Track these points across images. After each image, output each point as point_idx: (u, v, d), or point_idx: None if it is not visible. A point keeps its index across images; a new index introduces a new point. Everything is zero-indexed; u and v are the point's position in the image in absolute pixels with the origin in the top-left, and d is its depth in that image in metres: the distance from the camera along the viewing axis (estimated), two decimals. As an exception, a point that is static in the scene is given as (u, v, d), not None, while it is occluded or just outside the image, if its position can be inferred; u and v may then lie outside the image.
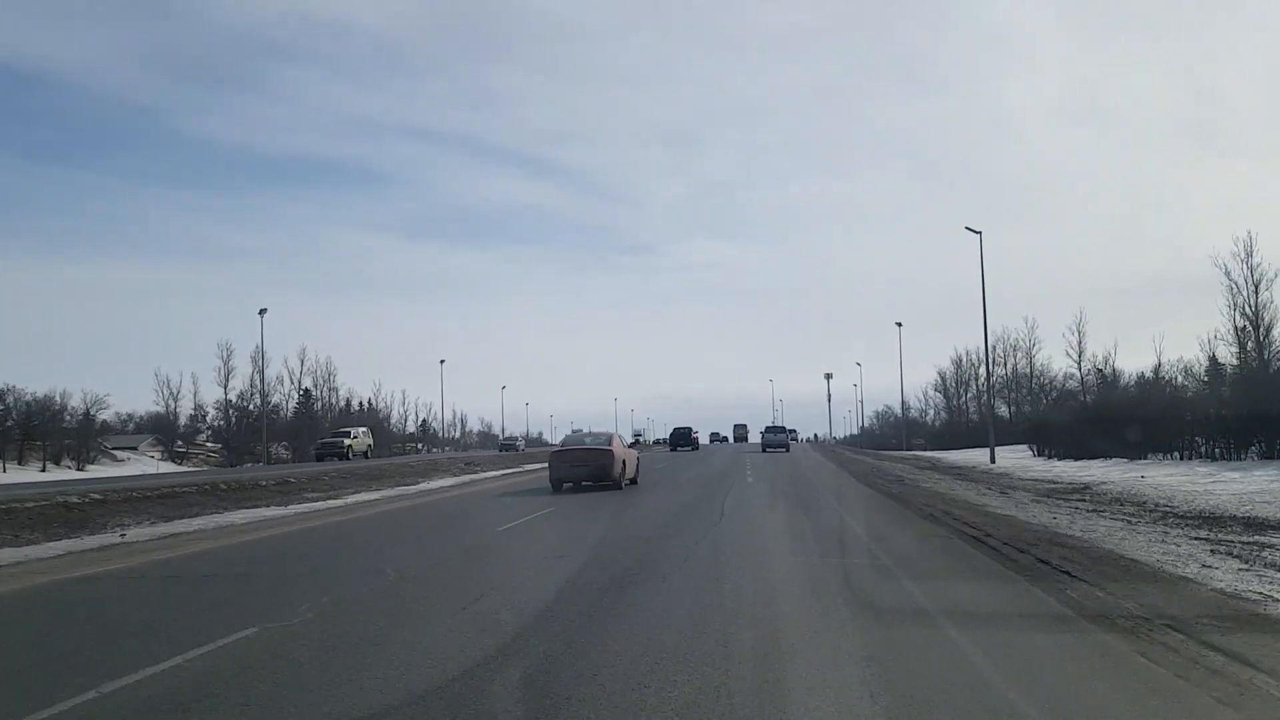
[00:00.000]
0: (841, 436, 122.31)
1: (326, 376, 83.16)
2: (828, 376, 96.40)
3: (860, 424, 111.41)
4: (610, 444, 23.19)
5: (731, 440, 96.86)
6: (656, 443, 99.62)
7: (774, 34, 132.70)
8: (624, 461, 23.06)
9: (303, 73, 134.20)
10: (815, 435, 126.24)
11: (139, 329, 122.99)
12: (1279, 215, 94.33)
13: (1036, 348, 68.28)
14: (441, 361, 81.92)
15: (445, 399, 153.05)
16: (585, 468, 22.23)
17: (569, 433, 29.76)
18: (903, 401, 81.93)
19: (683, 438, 62.92)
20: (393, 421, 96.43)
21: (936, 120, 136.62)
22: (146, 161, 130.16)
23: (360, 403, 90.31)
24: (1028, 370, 68.69)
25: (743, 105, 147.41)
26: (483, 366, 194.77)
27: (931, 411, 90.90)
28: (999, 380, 66.29)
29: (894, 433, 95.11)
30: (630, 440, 50.74)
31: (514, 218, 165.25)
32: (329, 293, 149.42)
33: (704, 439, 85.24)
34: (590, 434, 25.71)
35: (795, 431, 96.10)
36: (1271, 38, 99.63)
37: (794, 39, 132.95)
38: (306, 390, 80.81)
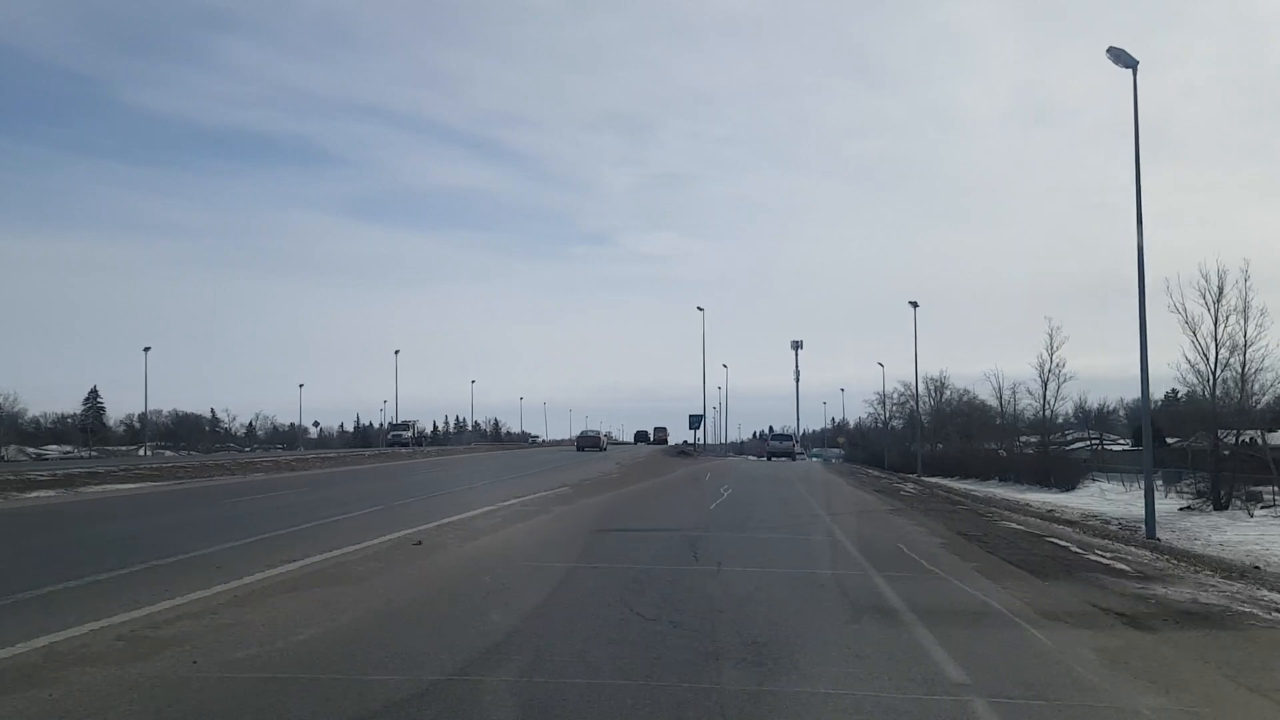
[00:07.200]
0: (804, 432, 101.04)
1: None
2: (795, 345, 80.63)
3: (881, 420, 78.46)
4: (599, 434, 60.86)
5: (650, 442, 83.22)
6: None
7: (726, 21, 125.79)
8: (607, 441, 56.58)
9: (244, 43, 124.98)
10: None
11: (56, 305, 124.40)
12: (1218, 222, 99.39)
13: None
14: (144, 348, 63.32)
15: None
16: (590, 441, 57.95)
17: (583, 428, 69.14)
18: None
19: (644, 436, 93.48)
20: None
21: (888, 116, 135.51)
22: (78, 131, 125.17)
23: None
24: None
25: (694, 95, 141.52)
26: (420, 355, 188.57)
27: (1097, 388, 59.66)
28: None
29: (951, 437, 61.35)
30: (605, 433, 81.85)
31: (463, 200, 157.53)
32: (270, 272, 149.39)
33: (627, 436, 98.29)
34: (592, 430, 62.69)
35: (804, 452, 79.52)
36: (1217, 42, 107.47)
37: (745, 28, 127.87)
38: None
